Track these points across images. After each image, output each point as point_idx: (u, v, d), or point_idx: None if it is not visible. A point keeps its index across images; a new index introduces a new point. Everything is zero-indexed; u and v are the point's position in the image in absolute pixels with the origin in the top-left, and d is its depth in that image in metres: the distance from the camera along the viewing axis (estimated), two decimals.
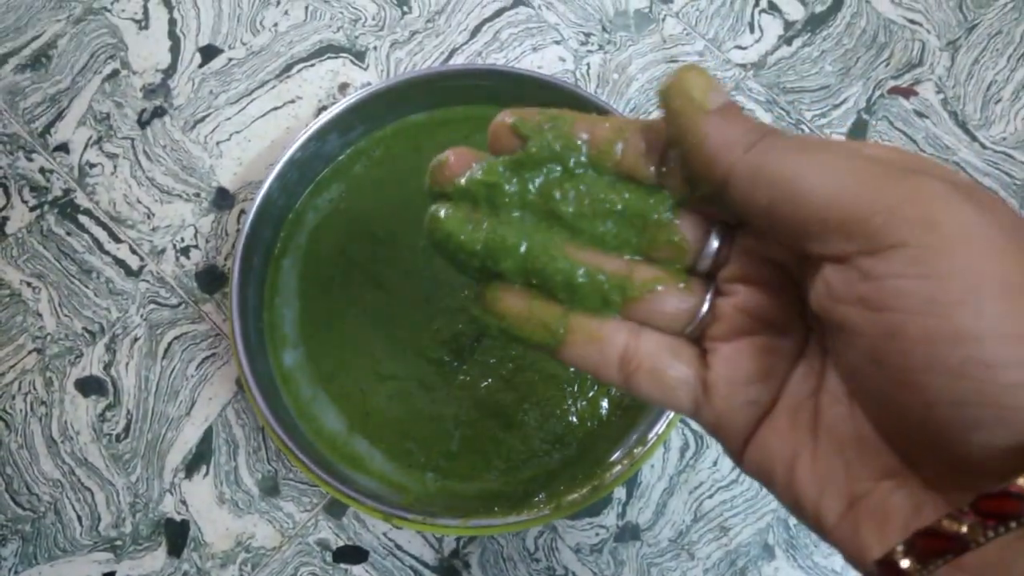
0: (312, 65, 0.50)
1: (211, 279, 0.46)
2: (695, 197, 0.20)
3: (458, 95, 0.45)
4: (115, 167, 0.48)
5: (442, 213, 0.22)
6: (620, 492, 0.43)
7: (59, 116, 0.49)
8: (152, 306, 0.46)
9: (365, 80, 0.50)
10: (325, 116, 0.42)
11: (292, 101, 0.49)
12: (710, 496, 0.43)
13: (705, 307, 0.20)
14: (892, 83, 0.49)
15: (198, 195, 0.48)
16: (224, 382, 0.44)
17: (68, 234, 0.47)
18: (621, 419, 0.41)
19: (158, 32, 0.51)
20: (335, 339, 0.42)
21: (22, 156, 0.48)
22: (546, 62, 0.50)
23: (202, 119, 0.49)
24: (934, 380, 0.15)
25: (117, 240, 0.47)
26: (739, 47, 0.50)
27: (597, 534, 0.42)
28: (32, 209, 0.47)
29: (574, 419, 0.41)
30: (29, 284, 0.46)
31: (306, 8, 0.51)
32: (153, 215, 0.47)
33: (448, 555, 0.42)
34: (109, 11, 0.51)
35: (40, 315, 0.46)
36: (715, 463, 0.43)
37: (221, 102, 0.49)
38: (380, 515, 0.37)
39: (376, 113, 0.45)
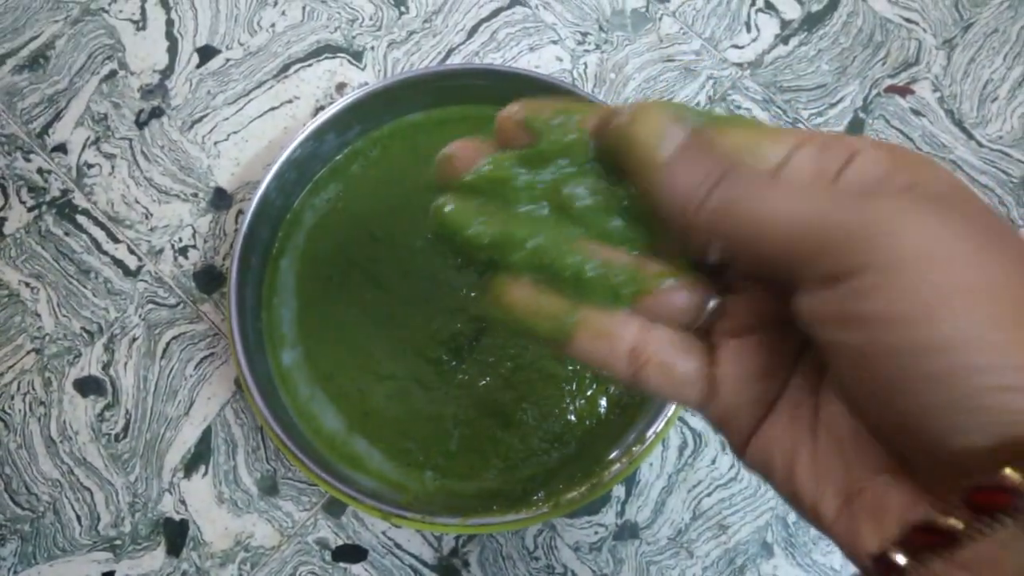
0: (309, 65, 0.50)
1: (209, 279, 0.46)
2: None
3: (455, 95, 0.45)
4: (113, 167, 0.48)
5: (448, 206, 0.21)
6: (619, 490, 0.43)
7: (57, 117, 0.49)
8: (150, 306, 0.46)
9: (362, 80, 0.50)
10: (322, 116, 0.42)
11: (289, 101, 0.49)
12: (709, 494, 0.43)
13: (713, 303, 0.20)
14: (889, 82, 0.50)
15: (196, 195, 0.48)
16: (222, 382, 0.44)
17: (66, 234, 0.47)
18: (619, 417, 0.41)
19: (156, 33, 0.51)
20: (333, 339, 0.42)
21: (20, 157, 0.48)
22: (543, 62, 0.50)
23: (200, 119, 0.49)
24: (906, 391, 0.15)
25: (115, 240, 0.47)
26: (736, 46, 0.50)
27: (596, 532, 0.42)
28: (30, 209, 0.47)
29: (573, 418, 0.41)
30: (27, 284, 0.46)
31: (303, 8, 0.51)
32: (151, 215, 0.47)
33: (447, 554, 0.42)
34: (107, 12, 0.51)
35: (38, 315, 0.46)
36: (713, 461, 0.43)
37: (219, 102, 0.49)
38: (379, 514, 0.37)
39: (373, 113, 0.45)
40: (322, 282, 0.43)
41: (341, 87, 0.50)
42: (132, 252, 0.47)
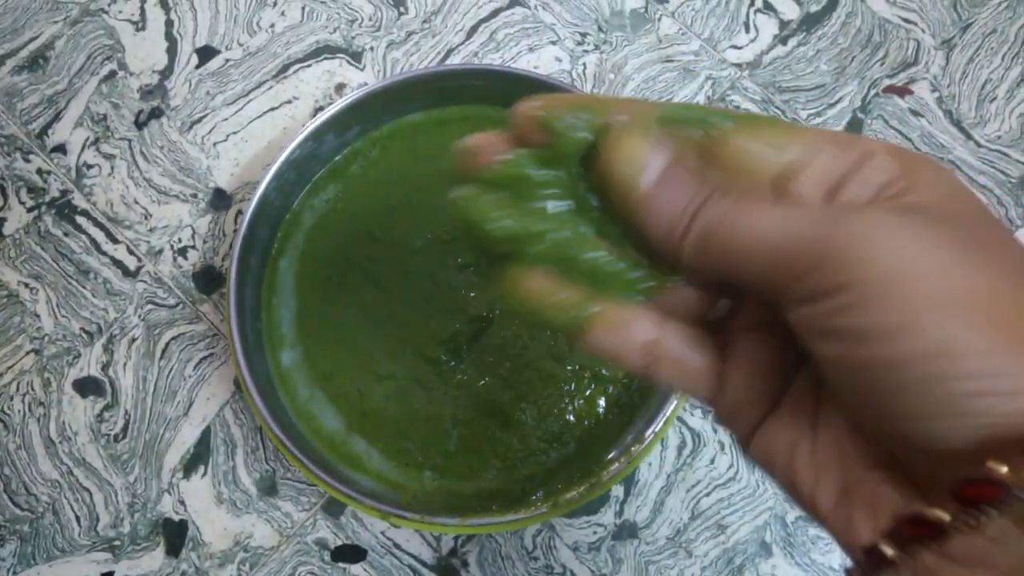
0: (309, 66, 0.50)
1: (208, 279, 0.46)
2: None
3: (454, 95, 0.45)
4: (112, 168, 0.48)
5: (467, 198, 0.21)
6: (618, 490, 0.43)
7: (56, 117, 0.49)
8: (150, 306, 0.46)
9: (362, 80, 0.50)
10: (322, 116, 0.42)
11: (289, 102, 0.49)
12: (707, 494, 0.43)
13: (725, 299, 0.21)
14: (887, 82, 0.50)
15: (195, 196, 0.48)
16: (222, 382, 0.44)
17: (66, 235, 0.47)
18: (618, 417, 0.41)
19: (155, 33, 0.51)
20: (332, 339, 0.43)
21: (19, 157, 0.48)
22: (542, 62, 0.50)
23: (199, 120, 0.49)
24: (889, 399, 0.15)
25: (115, 241, 0.47)
26: (734, 47, 0.50)
27: (595, 532, 0.42)
28: (30, 210, 0.47)
29: (571, 417, 0.41)
30: (27, 285, 0.46)
31: (303, 9, 0.51)
32: (150, 216, 0.47)
33: (446, 554, 0.42)
34: (106, 12, 0.51)
35: (38, 316, 0.46)
36: (712, 461, 0.43)
37: (218, 103, 0.49)
38: (378, 514, 0.37)
39: (372, 113, 0.45)
40: (321, 282, 0.44)
41: (340, 87, 0.50)
42: (131, 253, 0.47)
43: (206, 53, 0.50)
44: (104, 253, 0.47)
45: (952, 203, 0.17)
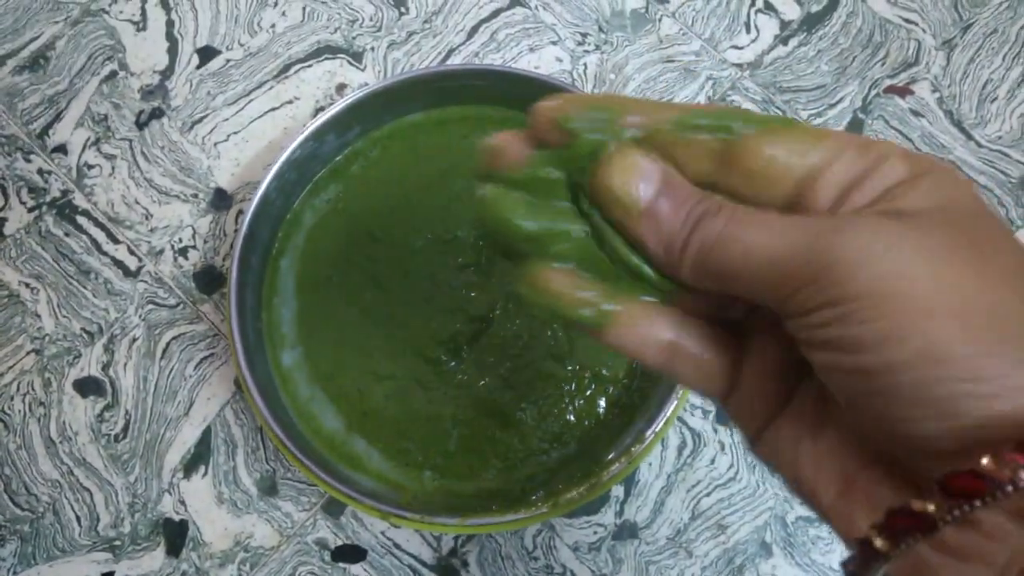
0: (309, 66, 0.50)
1: (209, 279, 0.46)
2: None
3: (455, 95, 0.45)
4: (113, 168, 0.48)
5: (491, 197, 0.21)
6: (618, 490, 0.43)
7: (57, 117, 0.49)
8: (150, 306, 0.46)
9: (362, 81, 0.50)
10: (323, 117, 0.42)
11: (290, 102, 0.49)
12: (708, 494, 0.43)
13: None
14: (888, 82, 0.50)
15: (196, 196, 0.48)
16: (222, 382, 0.44)
17: (66, 235, 0.47)
18: (618, 417, 0.41)
19: (156, 33, 0.51)
20: (333, 339, 0.43)
21: (20, 157, 0.48)
22: (543, 62, 0.50)
23: (200, 120, 0.49)
24: (880, 404, 0.16)
25: (115, 241, 0.47)
26: (735, 47, 0.50)
27: (595, 532, 0.42)
28: (30, 210, 0.47)
29: (572, 417, 0.41)
30: (27, 285, 0.46)
31: (303, 9, 0.51)
32: (151, 216, 0.47)
33: (446, 554, 0.42)
34: (107, 13, 0.51)
35: (38, 316, 0.46)
36: (712, 461, 0.43)
37: (219, 103, 0.49)
38: (378, 514, 0.37)
39: (373, 113, 0.45)
40: (322, 282, 0.44)
41: (341, 88, 0.50)
42: (132, 253, 0.47)
43: (207, 53, 0.50)
44: (105, 253, 0.47)
45: (954, 206, 0.17)
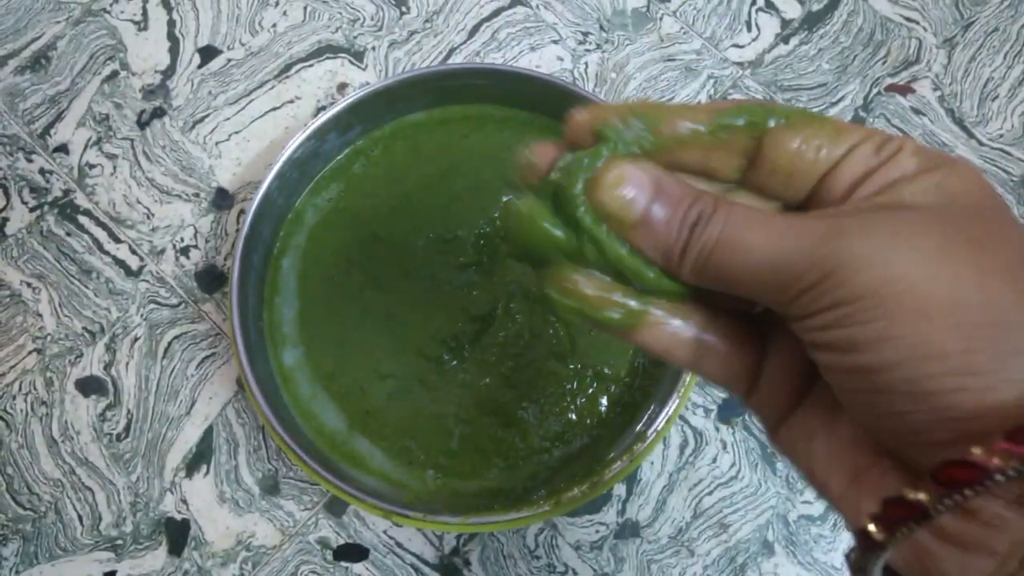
0: (311, 65, 0.50)
1: (211, 279, 0.46)
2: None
3: (456, 94, 0.45)
4: (115, 168, 0.48)
5: (527, 208, 0.21)
6: (620, 489, 0.43)
7: (59, 117, 0.49)
8: (152, 306, 0.46)
9: (363, 80, 0.50)
10: (324, 116, 0.42)
11: (291, 101, 0.49)
12: (709, 493, 0.43)
13: None
14: (889, 81, 0.50)
15: (197, 195, 0.48)
16: (224, 381, 0.44)
17: (68, 234, 0.47)
18: (620, 416, 0.41)
19: (157, 33, 0.51)
20: (335, 338, 0.43)
21: (22, 157, 0.48)
22: (544, 61, 0.50)
23: (201, 120, 0.49)
24: (878, 400, 0.17)
25: (117, 240, 0.47)
26: (736, 45, 0.50)
27: (597, 531, 0.42)
28: (32, 210, 0.47)
29: (573, 416, 0.41)
30: (29, 284, 0.46)
31: (304, 9, 0.51)
32: (153, 215, 0.47)
33: (449, 553, 0.42)
34: (108, 12, 0.51)
35: (40, 315, 0.46)
36: (714, 460, 0.43)
37: (220, 103, 0.49)
38: (380, 513, 0.37)
39: (374, 113, 0.45)
40: (324, 281, 0.44)
41: (342, 87, 0.50)
42: (134, 252, 0.47)
43: (208, 53, 0.50)
44: (106, 253, 0.47)
45: (960, 202, 0.17)
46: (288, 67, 0.50)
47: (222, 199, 0.48)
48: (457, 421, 0.41)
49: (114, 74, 0.50)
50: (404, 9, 0.51)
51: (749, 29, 0.51)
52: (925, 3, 0.51)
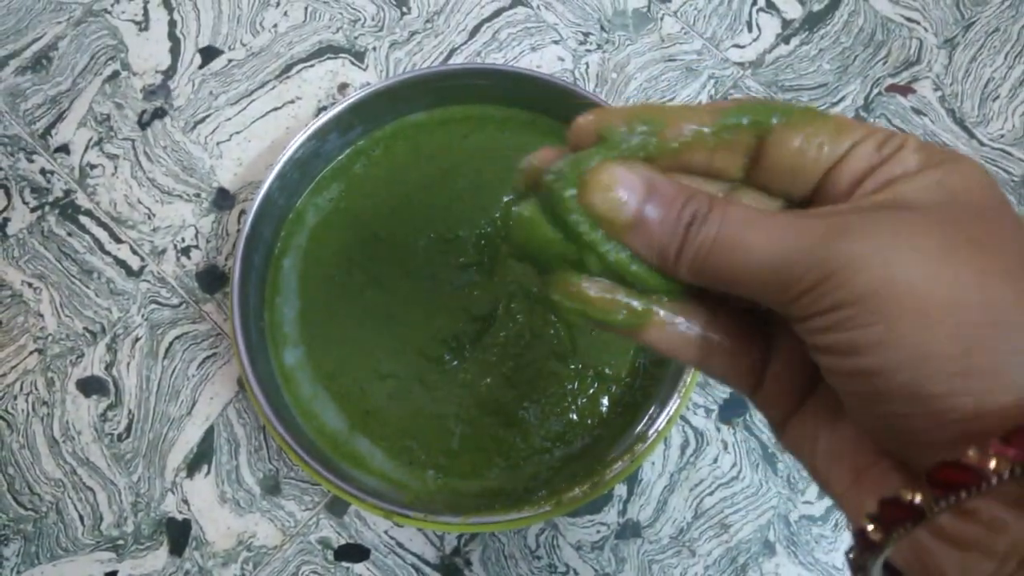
0: (312, 66, 0.50)
1: (212, 279, 0.46)
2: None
3: (457, 95, 0.45)
4: (116, 168, 0.48)
5: (529, 215, 0.21)
6: (621, 489, 0.43)
7: (60, 117, 0.49)
8: (153, 306, 0.46)
9: (364, 80, 0.50)
10: (325, 116, 0.42)
11: (292, 101, 0.50)
12: (710, 493, 0.43)
13: None
14: (890, 81, 0.50)
15: (198, 195, 0.48)
16: (225, 381, 0.44)
17: (69, 235, 0.47)
18: (621, 416, 0.41)
19: (158, 33, 0.51)
20: (336, 338, 0.43)
21: (23, 157, 0.48)
22: (545, 62, 0.50)
23: (202, 120, 0.49)
24: (877, 401, 0.17)
25: (118, 240, 0.47)
26: (737, 46, 0.50)
27: (598, 531, 0.42)
28: (33, 210, 0.47)
29: (574, 416, 0.41)
30: (30, 285, 0.46)
31: (305, 9, 0.51)
32: (154, 215, 0.47)
33: (449, 553, 0.42)
34: (109, 13, 0.51)
35: (41, 315, 0.46)
36: (715, 460, 0.43)
37: (221, 103, 0.49)
38: (381, 513, 0.37)
39: (375, 113, 0.45)
40: (324, 281, 0.44)
41: (343, 87, 0.50)
42: (135, 252, 0.47)
43: (209, 53, 0.50)
44: (107, 253, 0.47)
45: (962, 200, 0.17)
46: (289, 67, 0.50)
47: (223, 199, 0.48)
48: (458, 421, 0.41)
49: (115, 74, 0.50)
50: (405, 9, 0.51)
51: (750, 29, 0.51)
52: (926, 3, 0.51)
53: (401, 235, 0.44)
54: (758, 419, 0.44)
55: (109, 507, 0.43)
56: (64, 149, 0.49)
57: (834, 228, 0.17)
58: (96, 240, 0.47)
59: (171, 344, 0.45)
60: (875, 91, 0.49)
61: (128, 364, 0.45)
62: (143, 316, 0.46)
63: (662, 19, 0.51)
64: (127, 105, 0.49)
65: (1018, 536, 0.15)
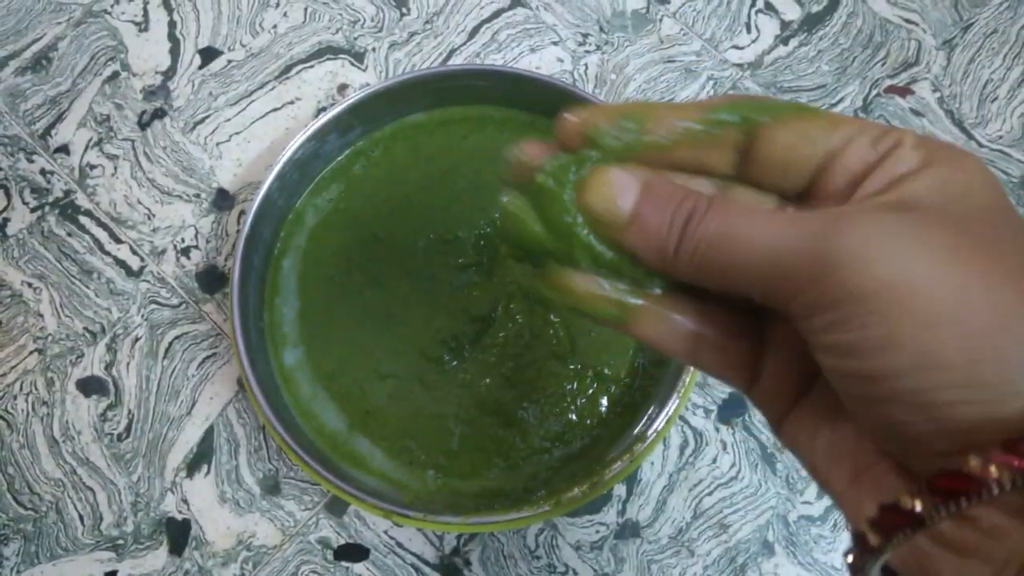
0: (311, 66, 0.50)
1: (211, 279, 0.46)
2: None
3: (457, 95, 0.46)
4: (115, 168, 0.48)
5: (513, 206, 0.21)
6: (620, 489, 0.43)
7: (60, 118, 0.49)
8: (153, 306, 0.46)
9: (364, 81, 0.50)
10: (324, 117, 0.42)
11: (291, 102, 0.50)
12: (709, 493, 0.43)
13: None
14: (888, 82, 0.50)
15: (198, 196, 0.48)
16: (225, 381, 0.45)
17: (69, 235, 0.47)
18: (620, 416, 0.41)
19: (158, 34, 0.51)
20: (335, 338, 0.43)
21: (23, 158, 0.49)
22: (544, 63, 0.50)
23: (202, 120, 0.49)
24: (878, 404, 0.16)
25: (118, 241, 0.47)
26: (736, 47, 0.51)
27: (597, 531, 0.42)
28: (33, 210, 0.48)
29: (574, 416, 0.41)
30: (30, 285, 0.46)
31: (305, 10, 0.51)
32: (153, 216, 0.47)
33: (449, 553, 0.42)
34: (109, 13, 0.51)
35: (41, 315, 0.46)
36: (714, 460, 0.43)
37: (221, 103, 0.49)
38: (381, 512, 0.37)
39: (375, 114, 0.45)
40: (324, 282, 0.44)
41: (343, 88, 0.50)
42: (134, 252, 0.47)
43: (209, 54, 0.50)
44: (107, 253, 0.47)
45: (965, 200, 0.17)
46: (288, 68, 0.50)
47: (223, 200, 0.48)
48: (457, 421, 0.41)
49: (115, 75, 0.50)
50: (404, 10, 0.51)
51: (749, 31, 0.51)
52: (924, 5, 0.51)
53: (400, 236, 0.44)
54: (757, 419, 0.44)
55: (109, 507, 0.43)
56: (64, 149, 0.49)
57: (837, 225, 0.17)
58: (96, 240, 0.47)
59: (171, 344, 0.45)
60: (874, 92, 0.49)
61: (128, 364, 0.45)
62: (143, 316, 0.46)
63: (661, 20, 0.51)
64: (127, 106, 0.49)
65: (1017, 544, 0.15)
